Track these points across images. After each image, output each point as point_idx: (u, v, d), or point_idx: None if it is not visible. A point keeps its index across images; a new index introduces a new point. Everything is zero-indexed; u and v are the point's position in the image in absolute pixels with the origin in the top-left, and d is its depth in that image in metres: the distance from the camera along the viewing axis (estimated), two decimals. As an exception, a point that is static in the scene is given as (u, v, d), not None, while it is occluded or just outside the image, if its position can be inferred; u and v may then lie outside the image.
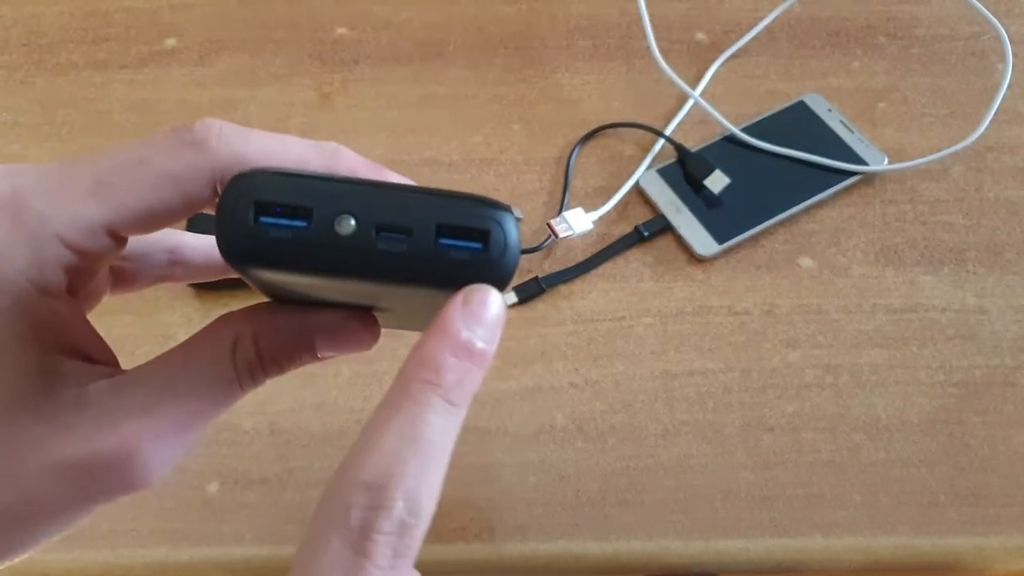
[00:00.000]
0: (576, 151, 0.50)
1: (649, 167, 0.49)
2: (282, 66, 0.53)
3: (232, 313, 0.21)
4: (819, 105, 0.51)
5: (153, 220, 0.20)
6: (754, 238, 0.47)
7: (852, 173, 0.48)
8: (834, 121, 0.51)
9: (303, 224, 0.18)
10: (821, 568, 0.39)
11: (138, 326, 0.43)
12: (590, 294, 0.45)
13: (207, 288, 0.44)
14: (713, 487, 0.39)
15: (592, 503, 0.39)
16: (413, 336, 0.20)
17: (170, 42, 0.54)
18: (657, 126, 0.50)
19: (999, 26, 0.52)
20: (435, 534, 0.38)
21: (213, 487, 0.39)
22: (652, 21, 0.50)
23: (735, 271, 0.46)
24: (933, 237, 0.47)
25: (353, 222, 0.18)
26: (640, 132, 0.50)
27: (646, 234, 0.46)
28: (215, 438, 0.40)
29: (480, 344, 0.18)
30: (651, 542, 0.38)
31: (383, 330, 0.23)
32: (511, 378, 0.42)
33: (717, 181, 0.47)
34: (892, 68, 0.54)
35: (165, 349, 0.44)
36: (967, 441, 0.40)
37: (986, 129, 0.49)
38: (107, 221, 0.19)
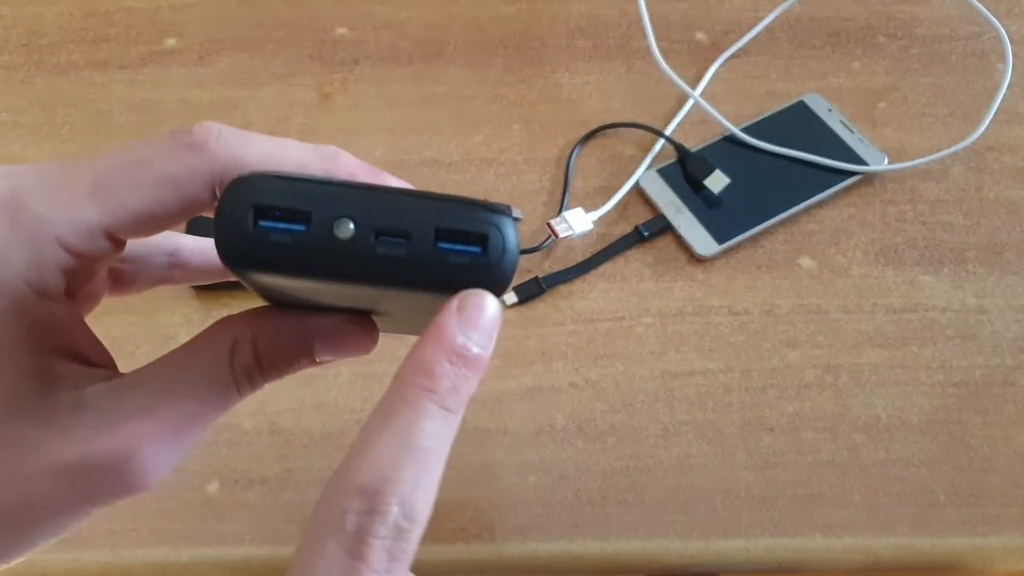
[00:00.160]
0: (576, 151, 0.50)
1: (649, 167, 0.49)
2: (282, 66, 0.53)
3: (230, 317, 0.21)
4: (819, 105, 0.51)
5: (152, 223, 0.20)
6: (754, 238, 0.47)
7: (852, 173, 0.48)
8: (834, 121, 0.51)
9: (302, 228, 0.18)
10: (821, 568, 0.39)
11: (138, 326, 0.43)
12: (590, 294, 0.45)
13: (207, 288, 0.44)
14: (713, 487, 0.39)
15: (592, 503, 0.39)
16: (413, 337, 0.20)
17: (170, 42, 0.54)
18: (657, 126, 0.50)
19: (999, 26, 0.52)
20: (435, 534, 0.38)
21: (213, 487, 0.39)
22: (652, 21, 0.50)
23: (735, 271, 0.46)
24: (933, 237, 0.47)
25: (352, 226, 0.18)
26: (640, 132, 0.50)
27: (646, 234, 0.46)
28: (215, 438, 0.40)
29: (475, 349, 0.18)
30: (651, 542, 0.38)
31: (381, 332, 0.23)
32: (511, 378, 0.42)
33: (717, 181, 0.47)
34: (892, 68, 0.54)
35: (165, 349, 0.44)
36: (967, 441, 0.40)
37: (986, 129, 0.49)
38: (106, 224, 0.19)
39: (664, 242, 0.47)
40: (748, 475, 0.39)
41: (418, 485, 0.17)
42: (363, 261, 0.18)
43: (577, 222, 0.46)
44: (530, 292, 0.44)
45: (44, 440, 0.19)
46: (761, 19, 0.55)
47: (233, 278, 0.20)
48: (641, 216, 0.47)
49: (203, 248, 0.26)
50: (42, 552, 0.21)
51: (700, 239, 0.46)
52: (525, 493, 0.39)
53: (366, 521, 0.17)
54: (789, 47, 0.55)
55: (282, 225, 0.18)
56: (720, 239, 0.46)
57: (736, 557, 0.38)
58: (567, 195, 0.48)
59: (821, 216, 0.48)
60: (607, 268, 0.46)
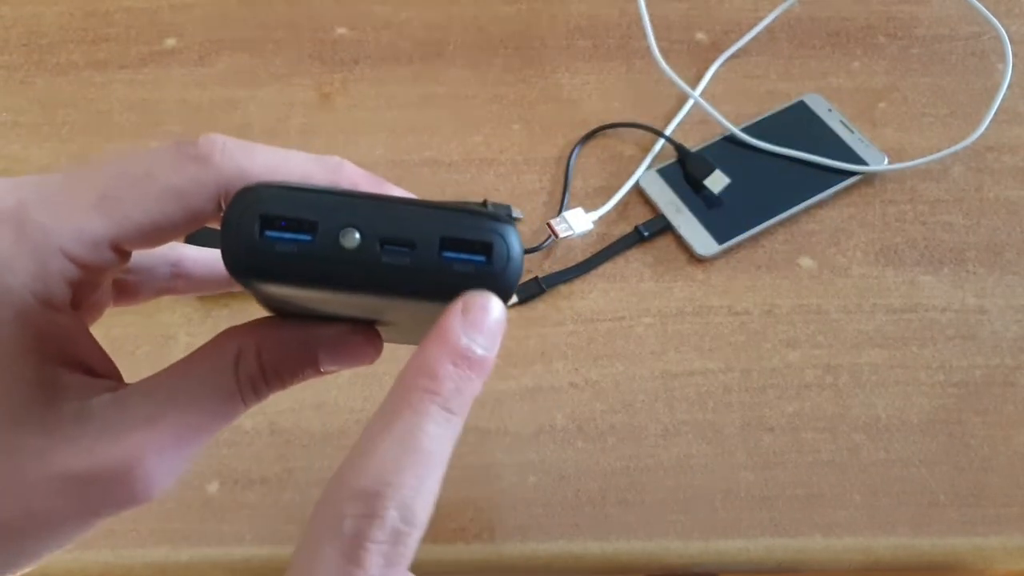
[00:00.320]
0: (576, 151, 0.50)
1: (649, 167, 0.49)
2: (282, 66, 0.53)
3: (235, 327, 0.21)
4: (819, 105, 0.51)
5: (157, 234, 0.20)
6: (754, 238, 0.47)
7: (852, 173, 0.48)
8: (834, 121, 0.51)
9: (308, 238, 0.18)
10: (821, 568, 0.39)
11: (138, 326, 0.43)
12: (590, 294, 0.45)
13: (207, 288, 0.44)
14: (713, 487, 0.39)
15: (592, 503, 0.39)
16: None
17: (170, 42, 0.54)
18: (657, 126, 0.50)
19: (999, 26, 0.52)
20: (435, 534, 0.38)
21: (213, 487, 0.39)
22: (652, 21, 0.50)
23: (735, 271, 0.46)
24: (933, 237, 0.47)
25: (358, 235, 0.18)
26: (640, 132, 0.50)
27: (646, 234, 0.46)
28: (215, 438, 0.40)
29: (480, 351, 0.18)
30: (651, 542, 0.38)
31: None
32: (511, 378, 0.42)
33: (717, 181, 0.47)
34: (892, 68, 0.54)
35: (165, 349, 0.44)
36: (967, 441, 0.40)
37: (986, 129, 0.49)
38: (111, 235, 0.19)
39: (664, 242, 0.47)
40: (748, 475, 0.39)
41: (419, 489, 0.17)
42: (368, 270, 0.18)
43: (577, 222, 0.46)
44: (530, 292, 0.44)
45: (49, 450, 0.19)
46: (761, 19, 0.55)
47: (236, 288, 0.20)
48: (641, 216, 0.47)
49: (206, 259, 0.26)
50: (42, 552, 0.21)
51: (700, 239, 0.46)
52: (525, 493, 0.39)
53: (363, 525, 0.17)
54: (789, 47, 0.55)
55: (288, 235, 0.18)
56: (720, 239, 0.46)
57: (736, 557, 0.38)
58: (567, 195, 0.48)
59: (821, 216, 0.48)
60: (607, 268, 0.46)
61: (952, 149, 0.49)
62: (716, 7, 0.56)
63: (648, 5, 0.50)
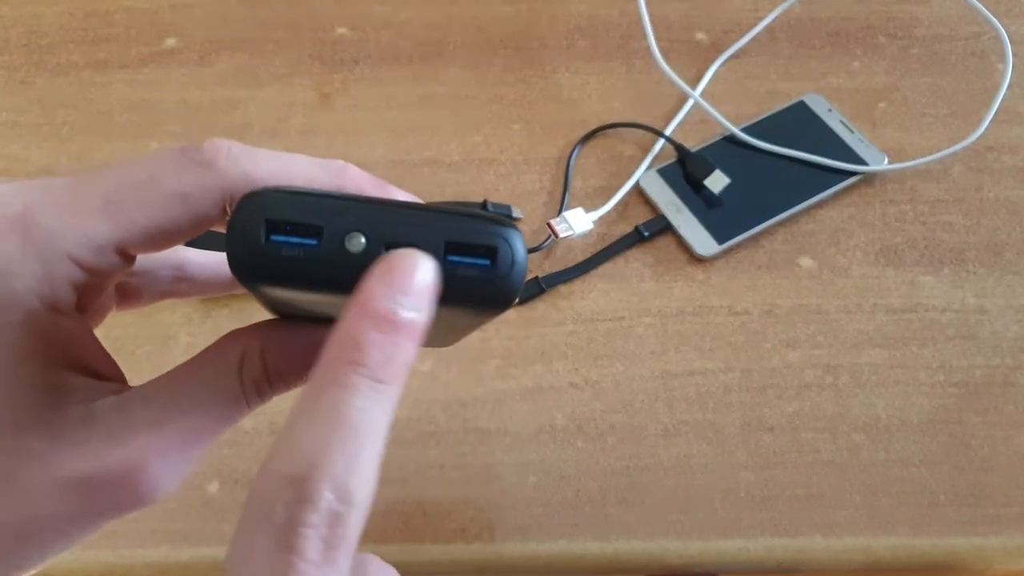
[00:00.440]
0: (576, 151, 0.50)
1: (649, 167, 0.49)
2: (282, 66, 0.53)
3: (239, 330, 0.21)
4: (819, 105, 0.51)
5: (162, 238, 0.20)
6: (754, 238, 0.47)
7: (852, 173, 0.48)
8: (834, 121, 0.51)
9: (313, 242, 0.18)
10: (821, 568, 0.39)
11: (138, 326, 0.43)
12: (590, 294, 0.45)
13: (207, 288, 0.44)
14: (713, 487, 0.39)
15: (592, 503, 0.39)
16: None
17: (170, 42, 0.54)
18: (657, 126, 0.50)
19: (999, 26, 0.52)
20: (435, 534, 0.38)
21: (213, 487, 0.39)
22: (652, 21, 0.50)
23: (735, 271, 0.46)
24: (933, 237, 0.47)
25: (363, 240, 0.18)
26: (640, 132, 0.50)
27: (646, 234, 0.46)
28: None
29: (406, 314, 0.17)
30: (651, 542, 0.38)
31: None
32: (511, 378, 0.42)
33: (717, 181, 0.47)
34: (892, 68, 0.54)
35: (165, 349, 0.44)
36: (967, 441, 0.40)
37: (986, 129, 0.49)
38: (117, 239, 0.20)
39: (664, 242, 0.47)
40: (748, 475, 0.39)
41: (351, 466, 0.16)
42: None
43: (577, 222, 0.46)
44: (530, 292, 0.44)
45: (54, 453, 0.19)
46: (761, 19, 0.55)
47: (238, 291, 0.20)
48: (641, 216, 0.47)
49: (209, 262, 0.26)
50: (43, 552, 0.21)
51: (700, 239, 0.46)
52: (525, 493, 0.39)
53: (295, 511, 0.16)
54: (789, 47, 0.55)
55: (294, 239, 0.18)
56: (720, 239, 0.46)
57: (736, 557, 0.38)
58: (567, 195, 0.48)
59: (821, 216, 0.48)
60: (607, 268, 0.46)
61: (952, 149, 0.49)
62: (716, 7, 0.56)
63: (648, 5, 0.50)
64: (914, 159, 0.49)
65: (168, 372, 0.21)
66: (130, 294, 0.25)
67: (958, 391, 0.42)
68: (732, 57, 0.54)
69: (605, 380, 0.42)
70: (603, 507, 0.39)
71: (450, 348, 0.43)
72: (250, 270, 0.18)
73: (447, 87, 0.53)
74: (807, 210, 0.48)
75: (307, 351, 0.21)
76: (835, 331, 0.44)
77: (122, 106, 0.52)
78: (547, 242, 0.45)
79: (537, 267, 0.45)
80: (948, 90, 0.53)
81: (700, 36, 0.55)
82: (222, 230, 0.19)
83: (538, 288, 0.44)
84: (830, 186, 0.48)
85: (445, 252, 0.18)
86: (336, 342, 0.17)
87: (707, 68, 0.53)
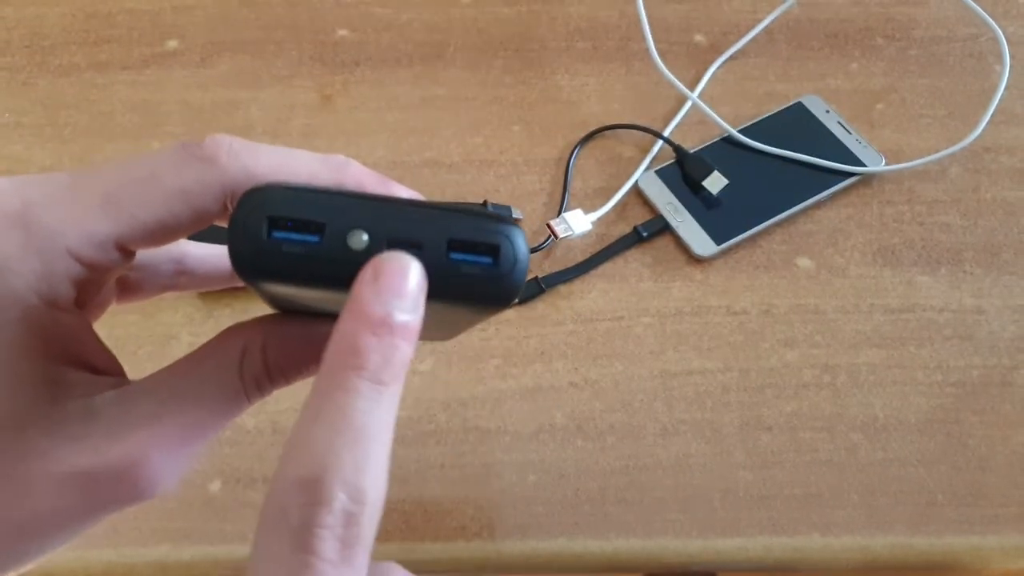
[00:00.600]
0: (575, 152, 0.50)
1: (648, 168, 0.49)
2: (283, 68, 0.54)
3: (240, 324, 0.21)
4: (817, 106, 0.52)
5: (162, 234, 0.20)
6: (752, 239, 0.47)
7: (850, 174, 0.48)
8: (832, 122, 0.51)
9: (315, 239, 0.18)
10: (819, 567, 0.39)
11: (140, 326, 0.43)
12: (589, 294, 0.45)
13: (209, 288, 0.44)
14: (711, 486, 0.39)
15: (591, 502, 0.39)
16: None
17: (172, 44, 0.55)
18: (656, 127, 0.51)
19: (996, 28, 0.52)
20: (435, 533, 0.38)
21: (215, 486, 0.39)
22: (651, 23, 0.50)
23: (733, 271, 0.46)
24: (931, 238, 0.47)
25: (365, 237, 0.18)
26: (639, 133, 0.51)
27: (645, 235, 0.46)
28: (217, 437, 0.40)
29: (401, 316, 0.17)
30: (650, 541, 0.38)
31: None
32: (511, 377, 0.42)
33: (715, 182, 0.47)
34: (890, 69, 0.54)
35: (167, 349, 0.44)
36: (965, 441, 0.41)
37: (983, 130, 0.49)
38: (117, 235, 0.20)
39: (663, 242, 0.47)
40: (746, 474, 0.40)
41: (361, 466, 0.17)
42: None
43: (576, 223, 0.46)
44: (530, 292, 0.44)
45: (54, 448, 0.19)
46: (759, 21, 0.55)
47: (240, 285, 0.20)
48: (640, 217, 0.48)
49: (209, 255, 0.26)
50: (46, 549, 0.21)
51: (698, 240, 0.46)
52: (525, 492, 0.39)
53: (310, 513, 0.16)
54: (787, 49, 0.55)
55: (296, 236, 0.18)
56: (718, 240, 0.46)
57: (734, 556, 0.38)
58: (567, 196, 0.48)
59: (819, 217, 0.48)
60: (606, 268, 0.46)
61: (950, 150, 0.49)
62: (715, 9, 0.57)
63: (647, 7, 0.50)
64: (912, 160, 0.49)
65: (168, 367, 0.21)
66: (130, 288, 0.25)
67: (955, 391, 0.42)
68: (730, 59, 0.54)
69: (604, 380, 0.42)
70: (602, 506, 0.39)
71: (451, 348, 0.43)
72: (252, 267, 0.18)
73: (447, 88, 0.53)
74: (805, 211, 0.48)
75: (307, 346, 0.21)
76: (833, 331, 0.44)
77: (124, 107, 0.52)
78: (547, 242, 0.45)
79: (537, 267, 0.46)
80: (946, 91, 0.53)
81: (699, 38, 0.55)
82: (223, 224, 0.19)
83: (538, 288, 0.44)
84: (828, 187, 0.48)
85: (448, 249, 0.18)
86: (335, 347, 0.18)
87: (705, 70, 0.53)
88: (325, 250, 0.18)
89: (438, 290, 0.18)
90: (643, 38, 0.50)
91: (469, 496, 0.39)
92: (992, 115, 0.49)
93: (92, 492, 0.19)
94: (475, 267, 0.18)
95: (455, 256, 0.18)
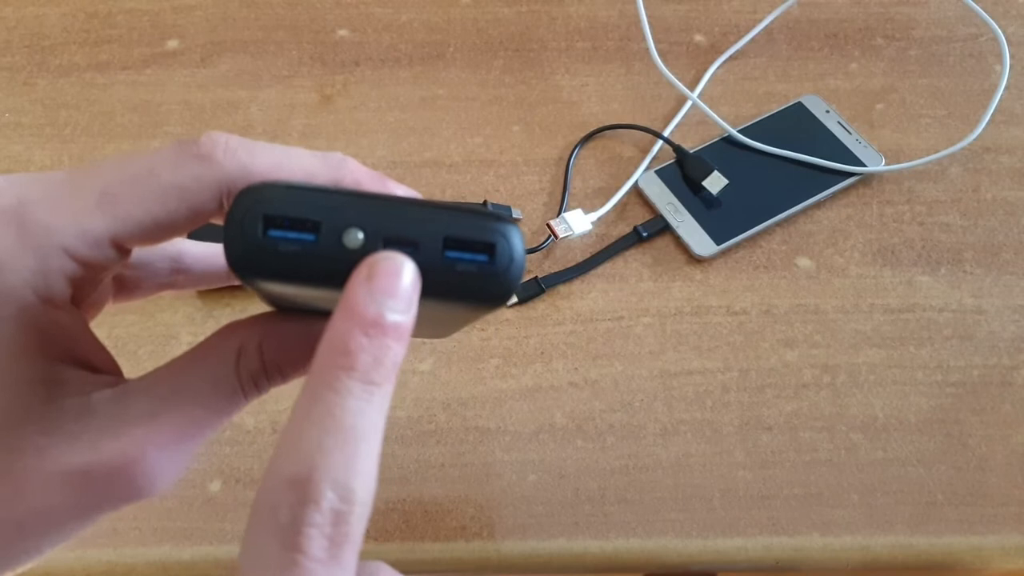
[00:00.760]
0: (575, 152, 0.50)
1: (648, 168, 0.49)
2: (283, 68, 0.54)
3: (237, 322, 0.21)
4: (817, 106, 0.52)
5: (159, 232, 0.20)
6: (752, 239, 0.47)
7: (850, 174, 0.48)
8: (832, 122, 0.51)
9: (311, 237, 0.18)
10: (819, 567, 0.39)
11: (140, 326, 0.43)
12: (589, 294, 0.45)
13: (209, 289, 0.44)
14: (711, 486, 0.39)
15: (591, 502, 0.39)
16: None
17: (172, 44, 0.55)
18: (656, 127, 0.51)
19: (996, 28, 0.52)
20: (435, 532, 0.38)
21: (215, 486, 0.39)
22: (651, 23, 0.50)
23: (733, 271, 0.46)
24: (930, 237, 0.47)
25: (361, 235, 0.18)
26: (639, 133, 0.51)
27: (645, 235, 0.46)
28: (217, 437, 0.40)
29: (393, 317, 0.17)
30: (650, 540, 0.38)
31: None
32: (511, 377, 0.42)
33: (715, 182, 0.47)
34: (890, 69, 0.54)
35: (167, 349, 0.44)
36: (964, 441, 0.41)
37: (983, 130, 0.49)
38: (113, 233, 0.20)
39: (663, 243, 0.47)
40: (746, 474, 0.40)
41: (351, 465, 0.17)
42: None
43: (576, 223, 0.46)
44: (530, 292, 0.44)
45: (51, 447, 0.19)
46: (759, 21, 0.55)
47: (237, 284, 0.20)
48: (640, 217, 0.48)
49: (206, 254, 0.26)
50: (46, 549, 0.21)
51: (698, 240, 0.46)
52: (525, 492, 0.39)
53: (300, 511, 0.16)
54: (787, 49, 0.55)
55: (292, 234, 0.18)
56: (718, 240, 0.46)
57: (734, 556, 0.38)
58: (567, 196, 0.48)
59: (819, 217, 0.48)
60: (606, 268, 0.46)
61: (949, 150, 0.49)
62: (714, 9, 0.57)
63: (647, 7, 0.50)
64: (912, 160, 0.49)
65: (165, 365, 0.21)
66: (127, 286, 0.25)
67: (955, 391, 0.42)
68: (730, 59, 0.54)
69: (604, 379, 0.42)
70: (602, 506, 0.39)
71: (451, 348, 0.43)
72: (247, 265, 0.18)
73: (447, 89, 0.53)
74: (805, 211, 0.48)
75: (304, 344, 0.21)
76: (833, 331, 0.44)
77: (124, 107, 0.52)
78: (547, 243, 0.45)
79: (537, 267, 0.46)
80: (945, 91, 0.53)
81: (698, 38, 0.55)
82: (219, 223, 0.19)
83: (538, 288, 0.44)
84: (828, 187, 0.48)
85: (444, 247, 0.18)
86: (327, 347, 0.18)
87: (705, 70, 0.53)
88: (321, 248, 0.18)
89: (433, 288, 0.18)
90: (643, 38, 0.50)
91: (469, 496, 0.39)
92: (992, 115, 0.50)
93: (89, 490, 0.19)
94: (471, 265, 0.18)
95: (451, 254, 0.18)
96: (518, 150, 0.50)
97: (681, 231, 0.46)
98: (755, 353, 0.43)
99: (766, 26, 0.55)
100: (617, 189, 0.48)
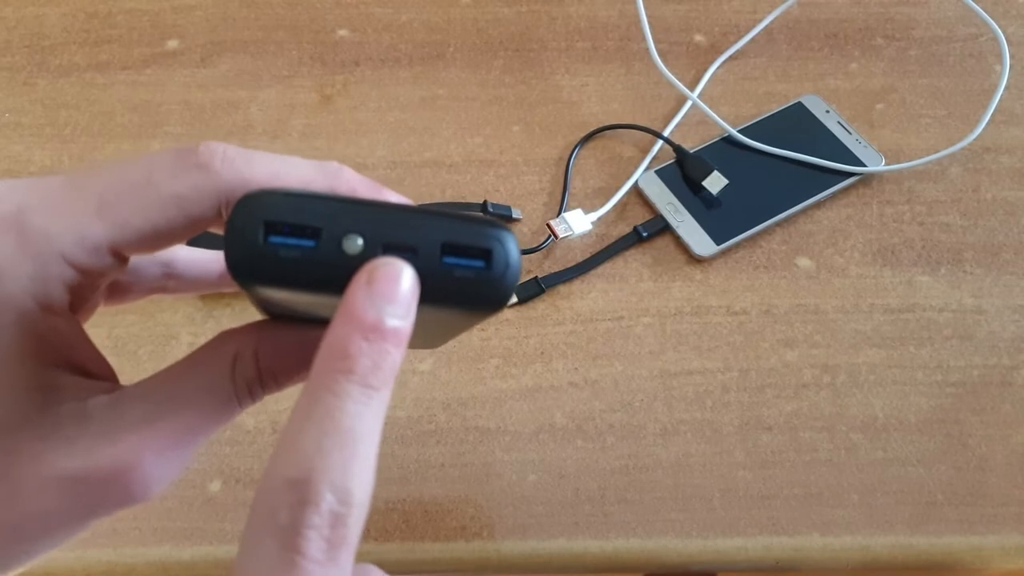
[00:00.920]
0: (575, 152, 0.50)
1: (648, 168, 0.49)
2: (283, 68, 0.54)
3: (232, 330, 0.22)
4: (817, 106, 0.52)
5: (157, 240, 0.20)
6: (752, 239, 0.47)
7: (850, 174, 0.48)
8: (832, 122, 0.51)
9: (312, 243, 0.18)
10: (819, 567, 0.39)
11: (140, 326, 0.43)
12: (589, 294, 0.45)
13: (209, 288, 0.44)
14: (711, 486, 0.39)
15: (591, 502, 0.39)
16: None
17: (172, 44, 0.55)
18: (656, 127, 0.51)
19: (996, 28, 0.52)
20: (435, 532, 0.38)
21: (215, 486, 0.39)
22: (651, 23, 0.50)
23: (733, 271, 0.46)
24: (930, 237, 0.47)
25: (360, 241, 0.18)
26: (639, 133, 0.51)
27: (645, 235, 0.46)
28: (217, 437, 0.40)
29: (392, 322, 0.18)
30: (650, 540, 0.38)
31: None
32: (511, 377, 0.42)
33: (715, 182, 0.47)
34: (890, 69, 0.54)
35: (167, 349, 0.44)
36: (964, 441, 0.41)
37: (983, 130, 0.49)
38: (111, 241, 0.20)
39: (663, 243, 0.47)
40: (746, 474, 0.40)
41: (349, 468, 0.17)
42: None
43: (576, 223, 0.46)
44: (530, 292, 0.44)
45: (47, 452, 0.19)
46: (759, 21, 0.55)
47: (226, 288, 0.20)
48: (640, 217, 0.48)
49: (198, 259, 0.26)
50: (46, 549, 0.21)
51: (698, 240, 0.46)
52: (525, 492, 0.39)
53: (299, 512, 0.17)
54: (787, 49, 0.55)
55: (292, 241, 0.18)
56: (718, 240, 0.46)
57: (734, 556, 0.38)
58: (567, 196, 0.48)
59: (819, 217, 0.48)
60: (606, 268, 0.46)
61: (949, 150, 0.49)
62: (714, 9, 0.57)
63: (647, 7, 0.50)
64: (912, 160, 0.49)
65: (161, 372, 0.21)
66: (118, 290, 0.25)
67: (955, 391, 0.42)
68: (730, 59, 0.54)
69: (604, 379, 0.42)
70: (602, 506, 0.39)
71: (451, 348, 0.43)
72: (248, 271, 0.18)
73: (447, 89, 0.53)
74: (805, 211, 0.48)
75: (299, 352, 0.22)
76: (833, 331, 0.44)
77: (124, 107, 0.52)
78: (547, 243, 0.45)
79: (537, 267, 0.46)
80: (945, 91, 0.53)
81: (698, 38, 0.55)
82: (218, 231, 0.19)
83: (538, 288, 0.44)
84: (828, 187, 0.48)
85: (442, 253, 0.19)
86: (327, 350, 0.18)
87: (705, 70, 0.53)
88: (321, 254, 0.18)
89: (432, 293, 0.19)
90: (643, 38, 0.50)
91: (469, 496, 0.39)
92: (992, 115, 0.50)
93: (84, 495, 0.19)
94: (468, 271, 0.19)
95: (448, 260, 0.19)
96: (518, 150, 0.50)
97: (681, 231, 0.46)
98: (755, 353, 0.43)
99: (766, 26, 0.55)
100: (617, 189, 0.48)
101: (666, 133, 0.50)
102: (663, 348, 0.43)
